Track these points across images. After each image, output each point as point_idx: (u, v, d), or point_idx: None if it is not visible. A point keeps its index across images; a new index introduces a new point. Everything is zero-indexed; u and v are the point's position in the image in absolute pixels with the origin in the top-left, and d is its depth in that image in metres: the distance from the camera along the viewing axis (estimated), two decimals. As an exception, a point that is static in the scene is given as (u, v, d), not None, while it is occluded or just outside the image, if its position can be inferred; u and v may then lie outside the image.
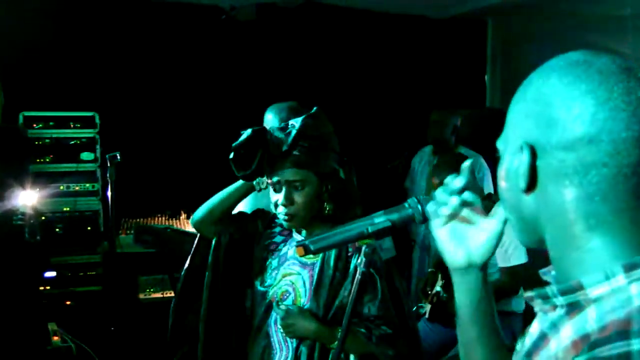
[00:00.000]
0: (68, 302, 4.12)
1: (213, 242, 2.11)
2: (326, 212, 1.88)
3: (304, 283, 1.93)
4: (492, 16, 5.50)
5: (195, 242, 2.21)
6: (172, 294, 4.08)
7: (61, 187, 4.22)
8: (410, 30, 5.23)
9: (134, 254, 4.07)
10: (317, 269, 1.90)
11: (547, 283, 0.92)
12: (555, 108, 0.83)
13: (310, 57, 4.98)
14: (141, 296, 4.21)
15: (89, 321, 3.99)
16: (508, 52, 5.48)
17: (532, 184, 0.86)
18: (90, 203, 4.26)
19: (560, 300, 0.85)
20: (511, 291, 3.10)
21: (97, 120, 4.26)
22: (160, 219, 4.46)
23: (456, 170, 1.10)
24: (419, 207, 1.34)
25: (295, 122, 1.91)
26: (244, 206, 2.40)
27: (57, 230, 4.18)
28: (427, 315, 3.29)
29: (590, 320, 0.80)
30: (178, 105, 4.71)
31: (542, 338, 0.90)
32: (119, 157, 3.26)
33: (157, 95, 4.63)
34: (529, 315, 3.21)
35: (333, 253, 1.88)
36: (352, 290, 1.42)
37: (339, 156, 1.94)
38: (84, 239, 4.23)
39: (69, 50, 4.53)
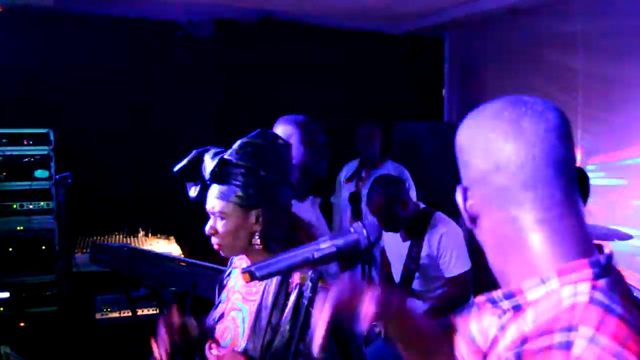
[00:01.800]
0: (22, 324, 4.02)
1: None
2: (255, 246, 1.77)
3: (244, 320, 1.84)
4: (449, 31, 5.59)
5: None
6: (129, 314, 4.02)
7: (14, 206, 4.12)
8: (368, 46, 5.28)
9: (90, 273, 3.98)
10: (255, 307, 1.79)
11: (494, 288, 1.01)
12: (465, 153, 1.01)
13: (268, 72, 4.98)
14: (98, 316, 4.13)
15: (44, 343, 3.90)
16: (465, 67, 5.57)
17: (472, 219, 1.00)
18: (44, 222, 4.17)
19: (505, 303, 0.95)
20: (461, 299, 3.12)
21: (52, 137, 4.17)
22: (117, 236, 4.39)
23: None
24: (364, 231, 1.35)
25: (234, 145, 1.81)
26: None
27: (10, 249, 4.08)
28: (382, 335, 3.30)
29: (528, 320, 0.90)
30: (135, 122, 4.66)
31: (495, 340, 0.99)
32: (69, 179, 3.20)
33: (114, 112, 4.57)
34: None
35: (272, 290, 1.77)
36: (301, 318, 1.39)
37: (283, 184, 1.80)
38: (39, 259, 4.13)
39: (21, 66, 4.45)
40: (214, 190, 1.77)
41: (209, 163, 1.77)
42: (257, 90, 4.91)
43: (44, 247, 4.14)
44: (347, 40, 5.19)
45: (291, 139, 2.63)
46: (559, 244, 0.92)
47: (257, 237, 1.77)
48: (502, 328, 0.97)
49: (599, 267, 0.90)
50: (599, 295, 0.86)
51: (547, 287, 0.89)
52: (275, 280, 1.76)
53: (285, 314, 1.73)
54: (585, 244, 0.93)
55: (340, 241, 1.34)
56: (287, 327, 1.71)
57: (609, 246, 0.96)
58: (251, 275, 1.34)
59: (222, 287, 2.01)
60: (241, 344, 1.79)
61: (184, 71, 4.84)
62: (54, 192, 4.14)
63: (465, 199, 1.00)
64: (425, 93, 5.52)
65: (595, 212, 3.86)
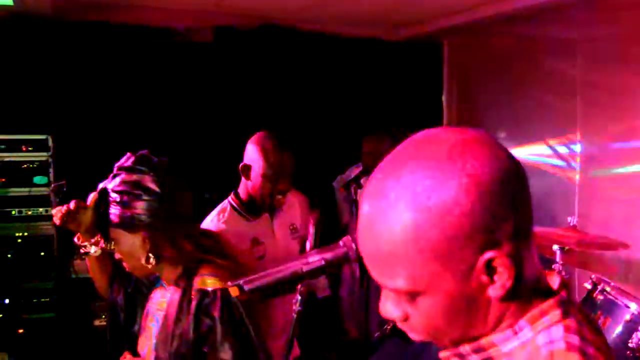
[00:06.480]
0: (20, 330, 4.02)
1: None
2: (148, 262, 1.82)
3: (155, 330, 1.92)
4: (447, 37, 5.59)
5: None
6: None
7: (13, 212, 4.13)
8: (367, 52, 5.28)
9: (88, 279, 3.96)
10: (161, 317, 1.89)
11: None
12: (489, 200, 0.81)
13: (267, 79, 4.98)
14: (96, 323, 4.13)
15: (42, 350, 3.90)
16: (464, 73, 5.57)
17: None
18: (43, 228, 4.17)
19: (474, 357, 0.89)
20: None
21: (50, 143, 4.18)
22: (116, 243, 4.39)
23: None
24: (353, 245, 1.35)
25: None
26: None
27: (9, 256, 4.09)
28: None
29: None
30: (132, 128, 4.66)
31: None
32: (64, 187, 3.20)
33: (112, 117, 4.57)
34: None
35: (176, 299, 1.83)
36: (291, 330, 1.41)
37: (165, 203, 1.80)
38: (37, 265, 4.13)
39: (20, 72, 4.46)
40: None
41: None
42: (255, 97, 4.91)
43: (42, 254, 4.14)
44: (345, 47, 5.19)
45: (254, 154, 2.70)
46: (524, 288, 0.86)
47: (150, 256, 1.82)
48: None
49: (564, 304, 0.87)
50: (572, 339, 0.83)
51: (521, 338, 0.86)
52: (178, 290, 1.84)
53: (188, 321, 1.79)
54: (542, 278, 0.89)
55: (328, 255, 1.35)
56: (190, 332, 1.77)
57: (554, 271, 0.94)
58: (240, 289, 1.35)
59: (144, 300, 2.06)
60: (154, 354, 1.86)
61: (183, 77, 4.85)
62: (53, 199, 4.15)
63: (493, 273, 0.82)
64: (424, 99, 5.52)
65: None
